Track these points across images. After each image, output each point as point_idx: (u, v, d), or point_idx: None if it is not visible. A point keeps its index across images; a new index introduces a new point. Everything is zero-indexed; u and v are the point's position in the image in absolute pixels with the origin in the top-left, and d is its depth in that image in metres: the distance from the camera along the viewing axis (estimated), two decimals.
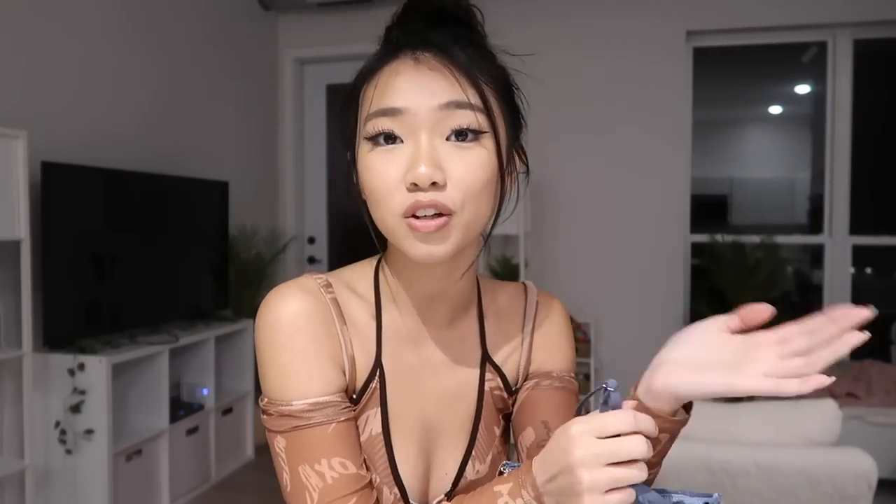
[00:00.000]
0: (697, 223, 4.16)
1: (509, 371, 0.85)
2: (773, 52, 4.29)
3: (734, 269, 3.75)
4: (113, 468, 2.60)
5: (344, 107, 0.76)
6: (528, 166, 0.79)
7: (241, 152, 4.12)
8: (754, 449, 1.74)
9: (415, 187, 0.67)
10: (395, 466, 0.77)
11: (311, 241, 4.63)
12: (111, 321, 2.87)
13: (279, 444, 0.72)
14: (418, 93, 0.68)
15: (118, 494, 2.66)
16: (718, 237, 3.91)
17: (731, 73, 4.81)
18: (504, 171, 0.72)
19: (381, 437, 0.77)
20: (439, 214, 0.68)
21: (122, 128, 3.15)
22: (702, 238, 4.06)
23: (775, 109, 6.39)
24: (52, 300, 2.58)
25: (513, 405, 0.86)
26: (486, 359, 0.83)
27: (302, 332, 0.72)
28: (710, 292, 3.90)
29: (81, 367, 2.56)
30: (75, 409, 2.55)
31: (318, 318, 0.74)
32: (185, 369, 3.27)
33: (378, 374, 0.78)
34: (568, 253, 4.16)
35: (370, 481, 0.74)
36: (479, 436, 0.82)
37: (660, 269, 4.06)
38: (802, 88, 5.16)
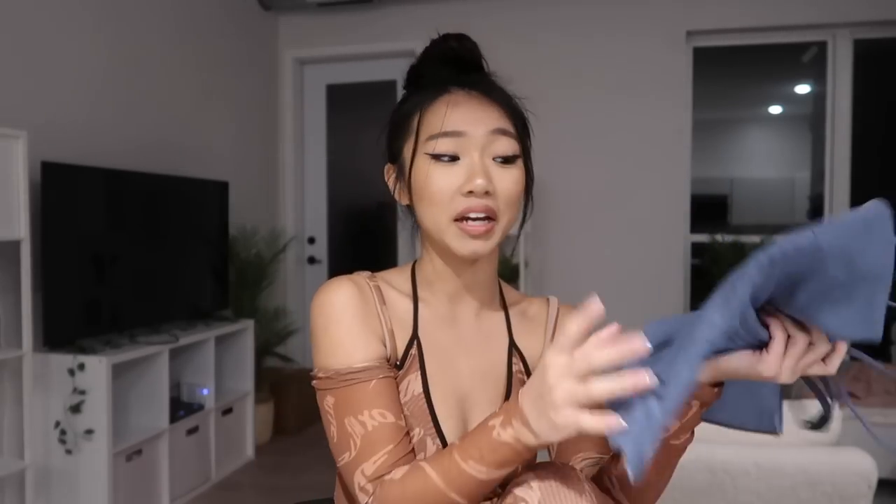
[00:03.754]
0: (697, 223, 4.16)
1: (531, 359, 0.98)
2: (773, 52, 4.29)
3: (734, 269, 3.74)
4: (113, 468, 2.60)
5: (394, 127, 0.93)
6: (533, 182, 0.95)
7: (241, 152, 4.12)
8: (754, 449, 1.74)
9: (471, 194, 0.85)
10: (437, 421, 0.90)
11: (311, 241, 4.63)
12: (111, 321, 2.87)
13: (328, 402, 0.86)
14: (474, 119, 0.87)
15: (118, 494, 2.66)
16: (718, 237, 3.91)
17: (731, 73, 4.81)
18: (530, 187, 0.92)
19: (423, 396, 0.90)
20: (488, 218, 0.85)
21: (122, 128, 3.15)
22: (702, 238, 4.05)
23: (775, 109, 6.39)
24: (52, 300, 2.58)
25: None
26: (512, 345, 0.97)
27: (349, 312, 0.88)
28: (711, 292, 3.89)
29: (81, 367, 2.56)
30: (75, 409, 2.55)
31: (362, 301, 0.90)
32: (185, 369, 3.27)
33: (416, 343, 0.92)
34: (568, 253, 4.16)
35: (408, 433, 0.86)
36: None
37: (660, 269, 4.06)
38: (802, 88, 5.16)
